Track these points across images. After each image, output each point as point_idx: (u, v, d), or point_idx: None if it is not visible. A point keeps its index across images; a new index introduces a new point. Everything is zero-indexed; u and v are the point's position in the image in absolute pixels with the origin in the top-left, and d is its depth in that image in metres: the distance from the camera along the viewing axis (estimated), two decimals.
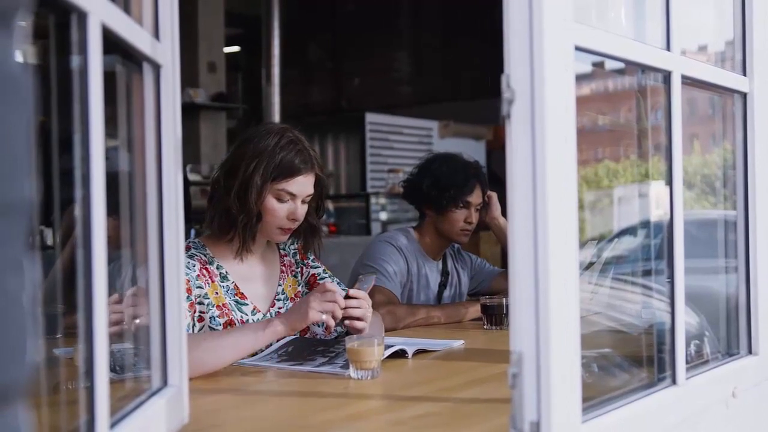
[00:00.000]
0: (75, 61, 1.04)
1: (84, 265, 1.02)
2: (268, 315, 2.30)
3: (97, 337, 1.03)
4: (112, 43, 1.14)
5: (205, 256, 2.26)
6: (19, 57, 0.59)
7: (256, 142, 2.22)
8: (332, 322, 2.07)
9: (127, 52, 1.27)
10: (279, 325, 2.06)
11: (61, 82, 1.06)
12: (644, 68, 1.59)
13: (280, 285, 2.39)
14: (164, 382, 1.39)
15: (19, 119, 0.57)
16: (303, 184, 2.25)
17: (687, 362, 1.58)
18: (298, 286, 2.44)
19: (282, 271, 2.41)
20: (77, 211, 1.03)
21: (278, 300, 2.36)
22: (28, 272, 0.59)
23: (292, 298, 2.40)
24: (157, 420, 1.30)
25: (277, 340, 2.15)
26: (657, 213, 1.93)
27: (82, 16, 1.02)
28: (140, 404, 1.27)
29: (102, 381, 1.03)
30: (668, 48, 1.55)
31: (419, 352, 2.21)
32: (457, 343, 2.38)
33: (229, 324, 2.20)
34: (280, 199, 2.23)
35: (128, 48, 1.23)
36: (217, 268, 2.26)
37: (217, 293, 2.22)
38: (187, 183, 5.00)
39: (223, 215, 2.24)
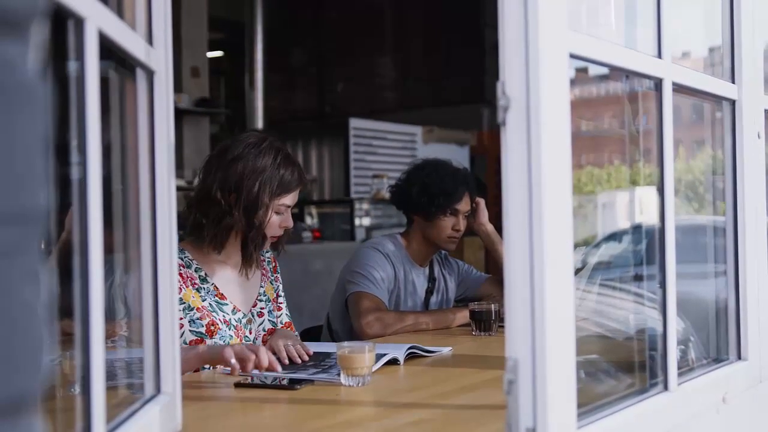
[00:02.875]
0: (71, 66, 1.04)
1: (80, 272, 1.02)
2: (249, 314, 2.39)
3: (94, 345, 1.02)
4: (106, 49, 1.13)
5: (182, 259, 2.29)
6: (33, 66, 0.58)
7: (253, 160, 2.28)
8: (237, 368, 1.93)
9: (121, 58, 1.26)
10: (203, 349, 2.09)
11: (56, 87, 1.05)
12: (636, 75, 1.60)
13: (261, 287, 2.47)
14: (157, 390, 1.38)
15: (35, 127, 0.57)
16: (296, 196, 2.38)
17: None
18: (274, 292, 2.52)
19: (263, 274, 2.49)
20: (74, 217, 1.02)
21: (260, 300, 2.44)
22: (42, 281, 0.59)
23: (273, 299, 2.49)
24: (150, 427, 1.29)
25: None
26: (642, 219, 1.95)
27: (79, 22, 1.01)
28: (134, 412, 1.26)
29: (98, 389, 1.02)
30: (659, 55, 1.56)
31: (411, 357, 2.21)
32: (446, 350, 2.38)
33: (212, 324, 2.25)
34: (278, 213, 2.33)
35: (123, 54, 1.23)
36: (196, 271, 2.32)
37: (194, 297, 2.27)
38: None
39: (225, 232, 2.29)
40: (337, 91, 10.34)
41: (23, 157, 0.56)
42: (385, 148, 8.37)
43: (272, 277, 2.53)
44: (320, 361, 2.16)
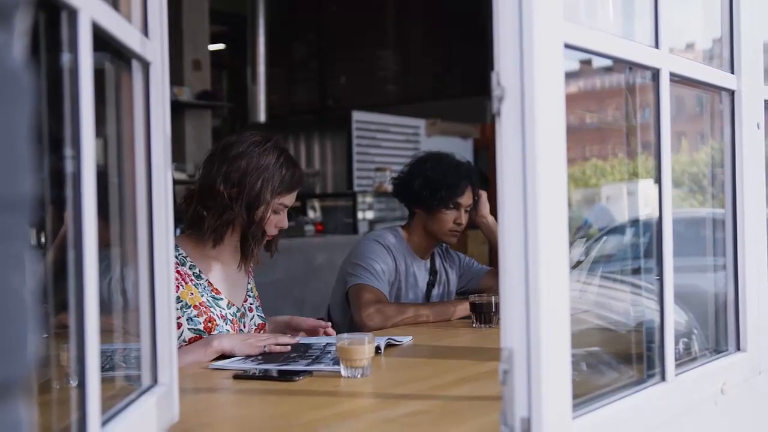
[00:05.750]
0: (65, 58, 1.04)
1: (75, 265, 1.02)
2: (242, 308, 2.44)
3: (89, 337, 1.02)
4: (101, 40, 1.13)
5: (177, 257, 2.29)
6: (18, 53, 0.59)
7: (257, 158, 2.32)
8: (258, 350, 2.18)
9: (116, 50, 1.26)
10: (223, 342, 2.17)
11: (49, 79, 1.05)
12: (633, 65, 1.60)
13: (249, 283, 2.52)
14: (154, 381, 1.39)
15: (20, 116, 0.57)
16: (294, 197, 2.42)
17: (676, 359, 1.58)
18: (256, 290, 2.58)
19: (249, 272, 2.54)
20: (68, 210, 1.02)
21: (249, 296, 2.50)
22: (28, 268, 0.59)
23: (257, 296, 2.55)
24: (147, 418, 1.29)
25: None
26: (645, 211, 1.94)
27: (73, 13, 1.01)
28: (130, 402, 1.27)
29: (93, 380, 1.02)
30: (657, 45, 1.56)
31: (389, 346, 2.27)
32: (407, 339, 2.42)
33: (209, 321, 2.29)
34: (275, 212, 2.37)
35: (118, 45, 1.23)
36: (190, 268, 2.35)
37: (192, 294, 2.30)
38: (172, 182, 5.01)
39: (225, 225, 2.32)
40: (339, 84, 10.34)
41: (8, 145, 0.56)
42: (388, 141, 8.37)
43: (253, 276, 2.59)
44: (304, 352, 2.16)
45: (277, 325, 2.56)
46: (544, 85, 1.20)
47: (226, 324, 2.33)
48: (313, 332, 2.47)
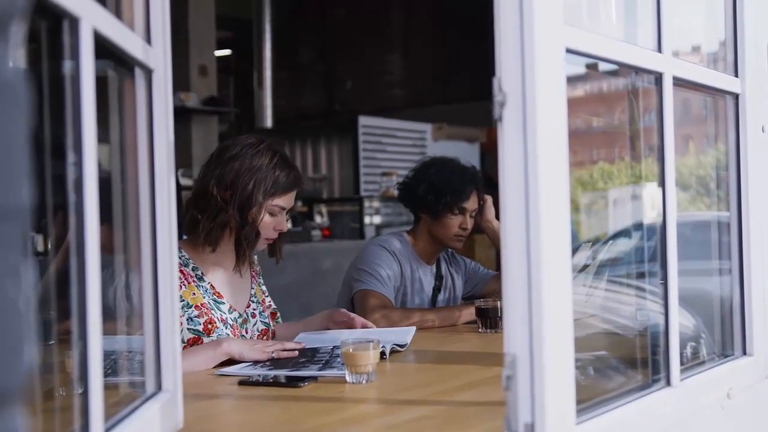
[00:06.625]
0: (67, 66, 1.04)
1: (77, 272, 1.02)
2: (245, 314, 2.43)
3: (91, 343, 1.02)
4: (104, 48, 1.14)
5: (180, 258, 2.31)
6: (14, 63, 0.59)
7: (250, 159, 2.32)
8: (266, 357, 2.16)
9: (119, 57, 1.27)
10: (232, 346, 2.15)
11: (52, 87, 1.06)
12: (636, 70, 1.60)
13: (252, 288, 2.51)
14: (158, 387, 1.39)
15: (16, 125, 0.57)
16: (292, 199, 2.41)
17: (683, 364, 1.58)
18: (262, 294, 2.57)
19: (253, 277, 2.53)
20: (71, 217, 1.02)
21: (252, 302, 2.49)
22: (24, 277, 0.59)
23: (261, 301, 2.53)
24: (151, 425, 1.29)
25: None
26: (651, 215, 1.94)
27: (74, 22, 1.02)
28: (134, 409, 1.27)
29: (96, 386, 1.03)
30: (659, 50, 1.56)
31: (394, 352, 2.26)
32: (410, 331, 2.46)
33: (209, 323, 2.29)
34: (272, 214, 2.36)
35: (120, 53, 1.23)
36: (193, 270, 2.36)
37: (194, 294, 2.31)
38: (178, 188, 5.01)
39: (219, 228, 2.32)
40: (345, 88, 10.33)
41: (4, 154, 0.56)
42: (395, 146, 8.37)
43: (259, 280, 2.58)
44: (312, 357, 2.16)
45: (319, 321, 2.57)
46: (546, 90, 1.19)
47: (226, 328, 2.33)
48: (350, 325, 2.49)
